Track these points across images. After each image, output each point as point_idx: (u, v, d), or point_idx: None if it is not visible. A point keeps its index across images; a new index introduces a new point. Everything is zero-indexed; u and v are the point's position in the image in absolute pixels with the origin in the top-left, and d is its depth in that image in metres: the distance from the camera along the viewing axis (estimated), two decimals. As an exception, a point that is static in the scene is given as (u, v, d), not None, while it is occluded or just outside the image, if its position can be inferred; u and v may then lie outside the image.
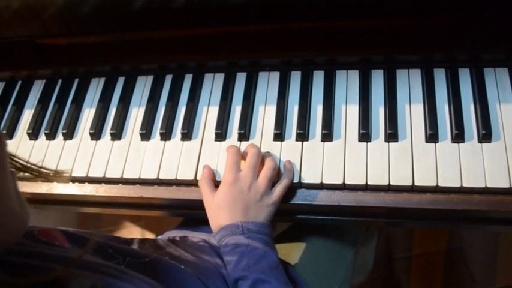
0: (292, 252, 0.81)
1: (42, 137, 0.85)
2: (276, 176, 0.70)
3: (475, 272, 1.44)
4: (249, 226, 0.64)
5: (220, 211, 0.66)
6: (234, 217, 0.65)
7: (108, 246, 0.56)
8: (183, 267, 0.60)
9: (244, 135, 0.76)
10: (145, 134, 0.80)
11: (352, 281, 0.86)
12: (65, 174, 0.63)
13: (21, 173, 0.48)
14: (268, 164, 0.69)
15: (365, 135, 0.71)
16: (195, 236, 0.78)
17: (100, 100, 0.86)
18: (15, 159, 0.46)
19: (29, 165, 0.49)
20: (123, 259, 0.55)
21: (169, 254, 0.66)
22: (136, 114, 0.83)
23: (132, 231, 1.70)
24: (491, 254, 1.45)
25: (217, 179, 0.73)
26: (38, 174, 0.52)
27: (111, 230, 1.71)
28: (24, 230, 0.40)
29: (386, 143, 0.70)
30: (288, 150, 0.73)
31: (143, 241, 0.69)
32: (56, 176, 0.57)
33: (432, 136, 0.69)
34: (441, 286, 1.45)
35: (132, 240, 0.68)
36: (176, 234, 0.85)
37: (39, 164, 0.51)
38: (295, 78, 0.80)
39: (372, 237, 1.08)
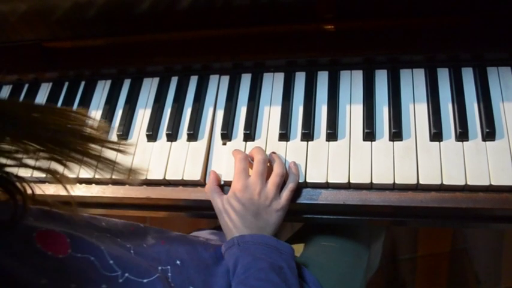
0: (305, 253, 0.81)
1: (49, 139, 0.86)
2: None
3: (480, 272, 1.43)
4: (270, 241, 0.65)
5: (232, 217, 0.67)
6: (245, 223, 0.66)
7: (111, 257, 0.52)
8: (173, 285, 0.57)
9: (249, 136, 0.77)
10: (152, 135, 0.80)
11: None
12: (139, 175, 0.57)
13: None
14: (277, 171, 0.69)
15: (369, 135, 0.72)
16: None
17: (106, 102, 0.87)
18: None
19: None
20: (122, 274, 0.52)
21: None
22: (142, 116, 0.84)
23: (136, 234, 1.70)
24: (496, 254, 1.45)
25: (224, 179, 0.74)
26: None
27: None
28: None
29: (391, 142, 0.71)
30: (293, 150, 0.74)
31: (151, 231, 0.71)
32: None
33: (436, 135, 0.69)
34: (446, 287, 1.45)
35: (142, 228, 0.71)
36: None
37: None
38: (300, 79, 0.80)
39: (380, 235, 1.08)
